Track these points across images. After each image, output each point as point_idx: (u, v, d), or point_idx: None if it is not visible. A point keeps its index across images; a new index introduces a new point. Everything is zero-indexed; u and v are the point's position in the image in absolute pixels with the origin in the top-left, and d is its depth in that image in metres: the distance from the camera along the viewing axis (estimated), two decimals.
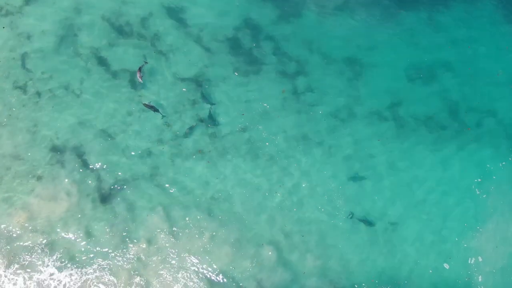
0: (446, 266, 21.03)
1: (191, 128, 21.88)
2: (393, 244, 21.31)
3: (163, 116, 21.97)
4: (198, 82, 22.97)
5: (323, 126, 22.86)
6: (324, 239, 21.20)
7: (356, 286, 20.61)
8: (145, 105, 21.77)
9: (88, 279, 19.67)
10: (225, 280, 20.07)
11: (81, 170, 21.21)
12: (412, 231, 21.57)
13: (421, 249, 21.30)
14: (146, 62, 22.28)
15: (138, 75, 21.79)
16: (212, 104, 22.23)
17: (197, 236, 20.64)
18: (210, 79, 23.05)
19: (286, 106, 22.88)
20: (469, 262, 21.15)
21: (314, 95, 23.33)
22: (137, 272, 19.94)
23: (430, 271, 21.05)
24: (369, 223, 21.29)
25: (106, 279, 19.69)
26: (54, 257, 19.69)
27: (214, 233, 20.76)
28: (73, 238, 20.07)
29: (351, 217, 21.29)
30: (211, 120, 22.15)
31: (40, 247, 19.78)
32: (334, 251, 21.01)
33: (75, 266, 19.67)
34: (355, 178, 22.08)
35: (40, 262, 19.59)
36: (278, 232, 21.03)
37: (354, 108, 23.38)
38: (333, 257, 20.98)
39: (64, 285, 19.38)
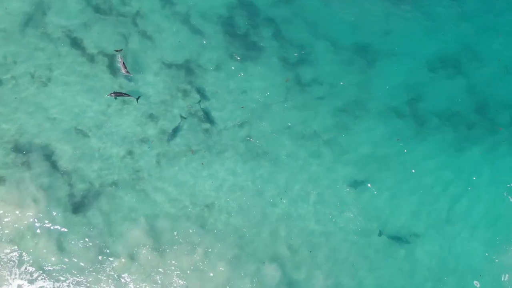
0: (476, 284, 19.47)
1: (175, 130, 20.54)
2: (415, 260, 19.74)
3: (138, 98, 20.47)
4: (188, 69, 21.59)
5: (332, 123, 21.42)
6: (336, 254, 19.67)
7: None
8: (114, 94, 20.41)
9: None
10: None
11: (49, 173, 19.62)
12: (436, 243, 20.01)
13: (447, 264, 19.78)
14: (120, 50, 21.04)
15: (123, 70, 20.65)
16: (199, 101, 20.99)
17: (187, 252, 19.09)
18: (202, 65, 21.69)
19: (290, 98, 21.57)
20: (502, 279, 19.68)
21: (321, 87, 21.96)
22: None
23: None
24: (403, 241, 19.74)
25: None
26: (23, 268, 18.52)
27: (208, 249, 19.18)
28: (43, 249, 18.71)
29: (380, 235, 19.72)
30: (204, 114, 20.82)
31: (7, 257, 18.62)
32: (347, 268, 19.52)
33: (46, 280, 18.40)
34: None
35: (7, 273, 18.45)
36: (282, 247, 19.51)
37: (367, 103, 21.88)
38: (346, 274, 19.42)
39: None
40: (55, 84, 20.81)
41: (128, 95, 20.44)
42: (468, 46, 23.06)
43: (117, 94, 20.39)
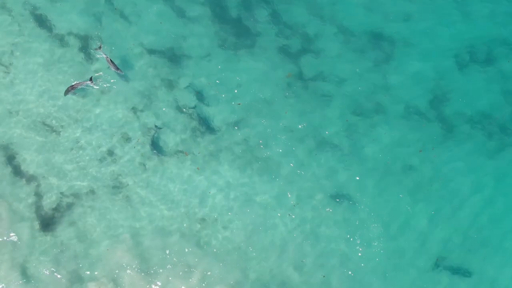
0: None
1: (153, 142, 19.49)
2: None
3: (91, 79, 19.56)
4: (172, 58, 20.67)
5: (341, 126, 20.16)
6: (353, 279, 18.39)
7: None
8: (72, 88, 19.55)
9: None
10: None
11: (12, 180, 18.69)
12: (473, 267, 18.76)
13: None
14: (99, 47, 20.12)
15: (112, 68, 19.71)
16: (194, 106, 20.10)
17: (181, 275, 17.91)
18: (188, 54, 20.74)
19: (291, 96, 20.46)
20: None
21: (326, 84, 20.79)
22: None
23: None
24: (465, 273, 18.55)
25: None
26: None
27: (206, 272, 18.09)
28: (5, 278, 17.69)
29: (437, 266, 18.55)
30: (196, 111, 19.90)
31: None
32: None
33: None
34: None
35: None
36: (291, 270, 18.35)
37: (383, 103, 20.59)
38: None
39: None
40: (18, 70, 20.09)
41: (83, 82, 19.63)
42: (504, 35, 21.90)
43: (74, 87, 19.54)
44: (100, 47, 19.96)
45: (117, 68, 19.66)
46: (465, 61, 21.45)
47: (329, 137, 19.92)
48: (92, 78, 19.46)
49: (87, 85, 19.59)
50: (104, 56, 19.82)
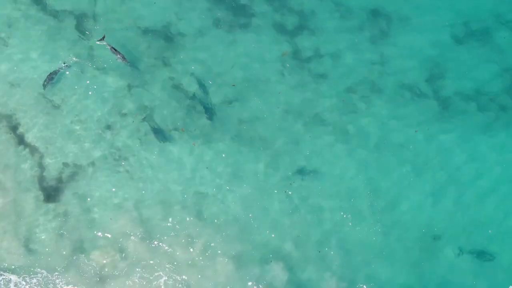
0: None
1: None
2: (439, 264, 18.44)
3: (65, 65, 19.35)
4: (168, 35, 20.40)
5: (337, 104, 20.03)
6: (349, 254, 18.39)
7: None
8: (48, 79, 19.25)
9: None
10: None
11: (16, 150, 18.47)
12: (465, 244, 18.68)
13: (479, 266, 18.52)
14: (102, 38, 19.71)
15: (118, 59, 19.45)
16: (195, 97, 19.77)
17: (184, 243, 17.94)
18: (183, 32, 20.49)
19: (287, 75, 20.34)
20: None
21: (323, 61, 20.59)
22: None
23: None
24: (488, 256, 18.44)
25: None
26: None
27: (208, 243, 18.08)
28: (9, 249, 17.66)
29: (459, 254, 18.41)
30: (190, 91, 19.69)
31: None
32: (362, 268, 18.29)
33: (16, 281, 17.39)
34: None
35: None
36: (289, 244, 18.31)
37: (379, 81, 20.43)
38: (361, 275, 18.19)
39: None
40: (15, 40, 19.71)
41: (58, 70, 19.26)
42: (501, 12, 21.56)
43: (51, 77, 19.15)
44: (103, 38, 19.58)
45: (123, 58, 19.40)
46: (461, 35, 21.18)
47: (324, 114, 19.84)
48: (65, 62, 19.19)
49: (64, 68, 19.27)
50: (108, 47, 19.53)
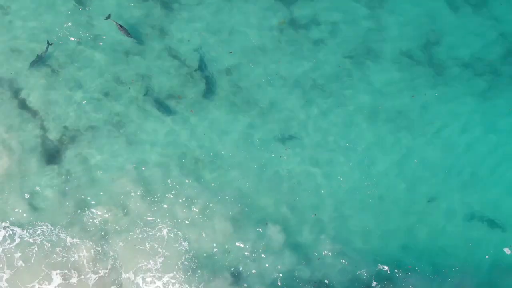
0: (507, 251, 18.30)
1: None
2: (434, 222, 18.49)
3: (48, 45, 19.13)
4: (164, 3, 20.27)
5: (334, 71, 19.88)
6: (344, 217, 18.39)
7: (385, 268, 17.97)
8: (119, 25, 19.44)
9: (36, 255, 17.20)
10: (216, 262, 17.64)
11: (19, 113, 18.47)
12: (460, 206, 18.63)
13: (475, 230, 18.51)
14: (108, 16, 19.61)
15: (123, 33, 19.41)
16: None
17: (183, 204, 17.97)
18: (181, 0, 20.38)
19: (284, 42, 20.15)
20: None
21: (320, 28, 20.35)
22: (99, 250, 17.46)
23: (487, 257, 18.24)
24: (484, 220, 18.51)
25: (61, 258, 17.34)
26: None
27: (206, 203, 18.10)
28: (14, 206, 17.66)
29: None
30: (188, 58, 19.56)
31: None
32: (357, 230, 18.33)
33: (19, 240, 17.34)
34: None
35: None
36: (285, 208, 18.30)
37: (376, 47, 20.29)
38: (356, 238, 18.23)
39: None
40: (18, 6, 19.59)
41: (45, 51, 19.03)
42: None
43: (41, 57, 18.98)
44: (109, 16, 19.41)
45: (128, 34, 19.26)
46: (457, 2, 20.88)
47: (321, 81, 19.67)
48: (49, 41, 18.98)
49: (48, 49, 19.04)
50: (115, 23, 19.34)
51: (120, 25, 19.26)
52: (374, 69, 19.86)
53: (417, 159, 18.86)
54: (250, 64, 19.58)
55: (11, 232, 17.22)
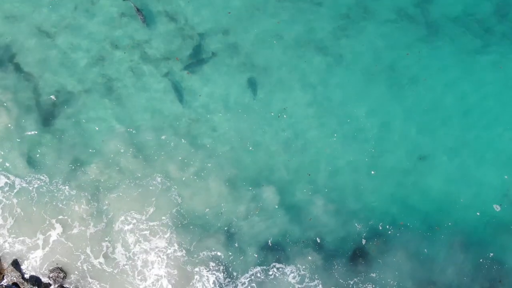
0: (496, 208, 18.16)
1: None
2: (426, 182, 18.34)
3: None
4: None
5: (331, 29, 19.75)
6: (338, 175, 18.32)
7: (377, 226, 17.87)
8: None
9: (34, 206, 17.65)
10: (209, 220, 17.67)
11: (16, 76, 18.54)
12: (451, 165, 18.50)
13: (465, 186, 18.37)
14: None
15: (139, 17, 19.35)
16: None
17: (178, 163, 18.01)
18: None
19: (283, 3, 20.04)
20: None
21: None
22: (94, 204, 17.69)
23: (478, 214, 18.14)
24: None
25: (58, 210, 17.70)
26: None
27: (203, 163, 18.12)
28: (14, 161, 17.95)
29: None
30: (185, 19, 19.45)
31: None
32: (351, 190, 18.26)
33: (17, 195, 17.64)
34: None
35: None
36: (280, 169, 18.27)
37: (370, 4, 20.16)
38: (350, 197, 18.17)
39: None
40: None
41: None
42: None
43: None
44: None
45: (144, 20, 19.12)
46: None
47: (320, 41, 19.49)
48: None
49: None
50: (133, 6, 19.24)
51: (137, 9, 19.19)
52: (370, 27, 19.72)
53: (407, 116, 18.74)
54: (248, 24, 19.46)
55: (10, 184, 17.56)
